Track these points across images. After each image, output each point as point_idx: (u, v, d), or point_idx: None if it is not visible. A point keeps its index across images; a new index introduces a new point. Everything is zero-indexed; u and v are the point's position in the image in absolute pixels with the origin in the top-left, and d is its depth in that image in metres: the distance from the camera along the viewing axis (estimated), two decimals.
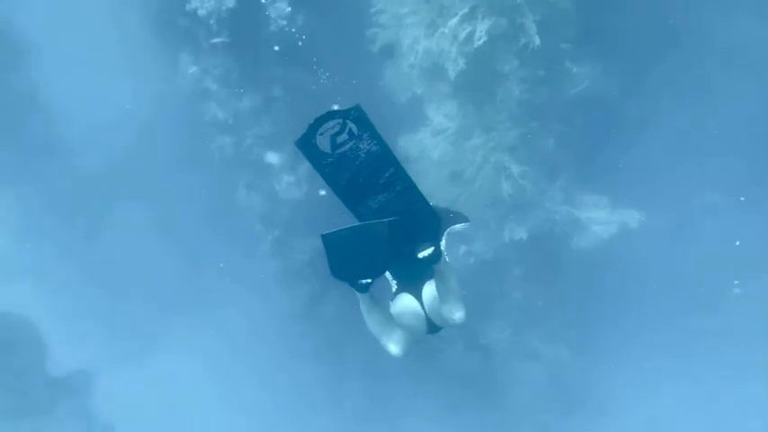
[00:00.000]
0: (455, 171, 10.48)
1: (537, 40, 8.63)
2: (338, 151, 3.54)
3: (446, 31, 8.94)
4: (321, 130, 3.42)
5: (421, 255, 4.24)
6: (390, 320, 4.93)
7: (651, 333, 13.17)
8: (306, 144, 3.48)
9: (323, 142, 3.44)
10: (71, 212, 17.02)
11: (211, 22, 9.39)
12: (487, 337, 13.47)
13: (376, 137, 3.53)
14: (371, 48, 10.06)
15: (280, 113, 10.68)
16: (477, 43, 8.87)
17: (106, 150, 16.37)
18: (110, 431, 12.36)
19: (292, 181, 10.90)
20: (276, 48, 9.92)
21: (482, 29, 8.81)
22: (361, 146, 3.54)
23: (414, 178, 3.86)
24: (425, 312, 5.04)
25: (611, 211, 11.11)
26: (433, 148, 10.39)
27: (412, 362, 13.85)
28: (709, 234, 12.63)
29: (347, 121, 3.41)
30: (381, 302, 4.86)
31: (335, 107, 3.40)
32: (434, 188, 10.74)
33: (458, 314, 4.79)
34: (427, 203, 4.08)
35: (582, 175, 11.23)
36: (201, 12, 9.34)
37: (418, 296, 5.09)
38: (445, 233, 5.59)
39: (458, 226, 5.74)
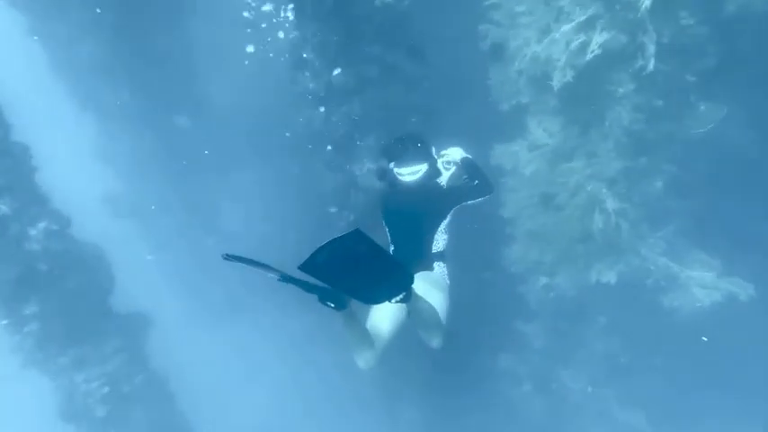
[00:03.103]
0: (546, 193, 9.64)
1: (651, 64, 7.67)
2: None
3: (557, 36, 8.21)
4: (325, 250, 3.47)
5: (393, 300, 4.23)
6: (366, 338, 4.75)
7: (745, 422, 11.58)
8: (308, 266, 3.52)
9: (322, 257, 3.48)
10: (185, 170, 17.64)
11: None
12: (560, 384, 12.45)
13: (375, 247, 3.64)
14: (481, 44, 9.43)
15: (372, 95, 10.28)
16: (590, 56, 8.08)
17: (217, 108, 16.83)
18: (156, 380, 12.40)
19: (373, 168, 10.48)
20: (376, 25, 9.52)
21: (598, 41, 8.00)
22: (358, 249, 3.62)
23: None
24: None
25: (718, 275, 9.82)
26: (526, 164, 9.62)
27: (474, 389, 13.14)
28: None
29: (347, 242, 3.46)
30: (360, 319, 4.76)
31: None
32: (521, 208, 10.00)
33: (434, 342, 4.87)
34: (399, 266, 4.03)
35: (693, 229, 10.00)
36: None
37: None
38: (453, 209, 5.33)
39: (473, 201, 5.47)
